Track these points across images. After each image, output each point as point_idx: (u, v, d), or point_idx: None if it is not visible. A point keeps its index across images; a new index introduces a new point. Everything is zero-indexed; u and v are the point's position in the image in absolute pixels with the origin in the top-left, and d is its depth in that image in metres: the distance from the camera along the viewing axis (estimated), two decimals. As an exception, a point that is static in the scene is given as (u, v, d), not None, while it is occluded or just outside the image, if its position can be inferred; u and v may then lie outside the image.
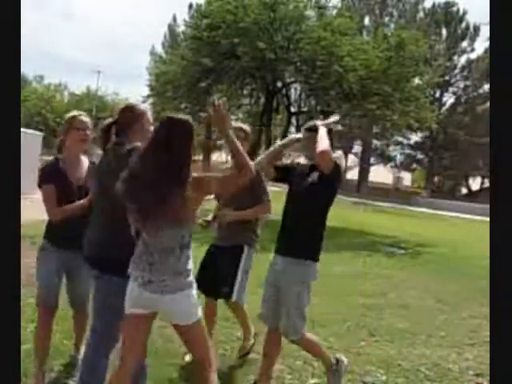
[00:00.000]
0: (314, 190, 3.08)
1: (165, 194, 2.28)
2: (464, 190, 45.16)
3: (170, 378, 3.32)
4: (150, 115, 2.79)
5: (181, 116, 2.43)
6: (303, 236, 3.08)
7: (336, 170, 3.05)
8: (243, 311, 3.81)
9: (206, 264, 3.74)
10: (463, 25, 40.22)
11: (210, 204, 3.86)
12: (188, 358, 3.42)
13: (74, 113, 3.24)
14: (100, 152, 2.79)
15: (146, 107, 2.92)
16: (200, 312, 2.47)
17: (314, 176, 3.09)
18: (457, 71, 40.74)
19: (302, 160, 3.50)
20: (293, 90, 19.56)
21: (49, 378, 3.15)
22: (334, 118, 3.32)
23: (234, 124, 3.63)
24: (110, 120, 2.72)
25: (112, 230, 2.54)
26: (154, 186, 2.28)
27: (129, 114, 2.70)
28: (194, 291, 2.43)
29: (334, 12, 17.79)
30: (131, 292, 2.41)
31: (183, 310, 2.40)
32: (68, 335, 3.68)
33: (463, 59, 40.44)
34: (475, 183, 43.98)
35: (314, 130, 3.11)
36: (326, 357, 3.26)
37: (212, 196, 2.80)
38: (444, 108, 40.01)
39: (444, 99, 41.02)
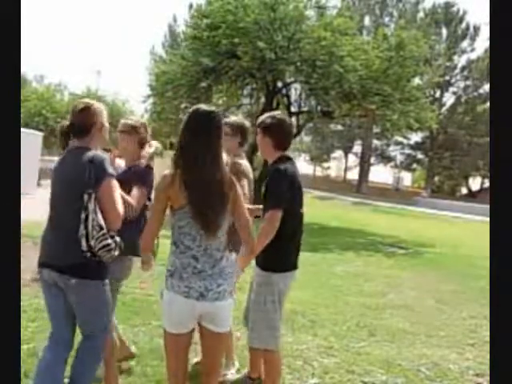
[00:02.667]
0: None
1: (224, 190, 2.24)
2: (464, 190, 45.16)
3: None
4: (106, 113, 2.68)
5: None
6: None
7: None
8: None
9: None
10: (463, 25, 40.21)
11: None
12: (196, 359, 3.37)
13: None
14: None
15: (101, 106, 2.71)
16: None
17: None
18: (457, 71, 40.73)
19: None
20: (293, 90, 19.55)
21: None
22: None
23: (234, 118, 3.60)
24: (66, 122, 2.65)
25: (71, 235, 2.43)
26: (213, 180, 2.23)
27: (86, 115, 2.60)
28: None
29: (334, 12, 17.80)
30: (178, 307, 2.22)
31: (227, 316, 2.31)
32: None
33: (463, 59, 40.49)
34: (475, 183, 44.00)
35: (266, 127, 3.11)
36: None
37: None
38: (444, 108, 40.01)
39: (444, 99, 41.03)
